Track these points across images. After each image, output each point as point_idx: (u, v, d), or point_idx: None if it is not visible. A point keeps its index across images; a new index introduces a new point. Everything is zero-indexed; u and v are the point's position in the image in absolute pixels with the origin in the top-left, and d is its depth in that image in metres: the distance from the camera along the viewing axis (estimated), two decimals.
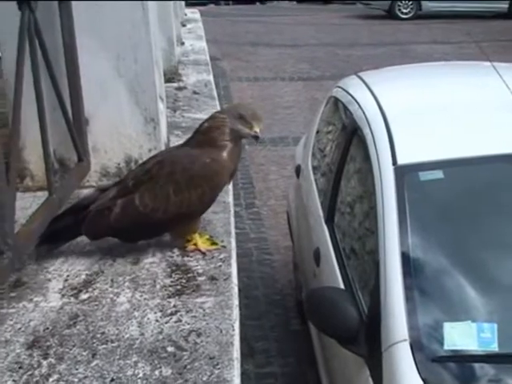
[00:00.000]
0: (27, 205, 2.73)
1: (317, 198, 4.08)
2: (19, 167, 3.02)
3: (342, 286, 3.07)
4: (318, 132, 4.72)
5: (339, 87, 4.52)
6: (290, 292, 5.38)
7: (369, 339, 2.58)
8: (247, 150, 8.61)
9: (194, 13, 14.15)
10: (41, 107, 2.31)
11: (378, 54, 14.52)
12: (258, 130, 2.24)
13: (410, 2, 21.70)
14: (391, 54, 14.36)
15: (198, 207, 2.23)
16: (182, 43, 8.32)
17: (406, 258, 2.67)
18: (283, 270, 5.72)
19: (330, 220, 3.71)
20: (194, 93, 5.20)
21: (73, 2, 2.68)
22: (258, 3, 34.96)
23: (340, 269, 3.22)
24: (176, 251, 2.31)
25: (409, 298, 2.54)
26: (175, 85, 5.50)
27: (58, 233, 2.28)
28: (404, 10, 21.80)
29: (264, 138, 9.06)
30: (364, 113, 3.64)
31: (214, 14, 23.24)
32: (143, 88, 2.95)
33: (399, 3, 21.75)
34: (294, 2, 34.16)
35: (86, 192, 2.68)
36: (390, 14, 21.82)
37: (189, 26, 11.14)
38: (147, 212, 2.18)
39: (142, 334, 1.80)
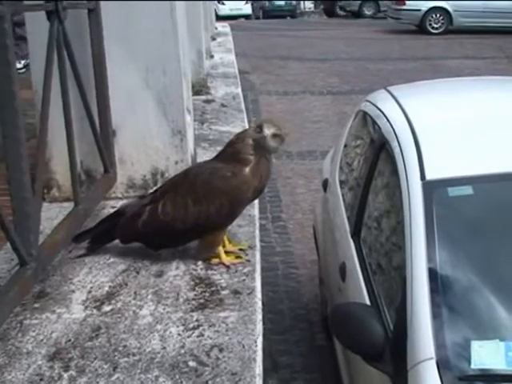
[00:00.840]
0: (53, 215, 2.74)
1: (344, 213, 4.05)
2: (46, 178, 3.04)
3: (367, 301, 3.04)
4: (345, 146, 4.69)
5: (368, 101, 4.49)
6: (315, 307, 5.34)
7: (395, 357, 2.54)
8: (274, 163, 8.56)
9: (224, 27, 14.24)
10: (68, 118, 2.31)
11: (408, 69, 14.44)
12: (266, 131, 2.24)
13: (441, 17, 21.60)
14: (422, 69, 14.27)
15: (217, 220, 2.23)
16: (212, 56, 8.36)
17: (433, 275, 2.63)
18: (309, 285, 5.69)
19: (356, 234, 3.67)
20: (222, 105, 5.20)
21: (102, 13, 2.69)
22: (288, 17, 35.13)
23: (366, 284, 3.18)
24: (200, 264, 2.29)
25: (436, 315, 2.50)
26: (203, 97, 5.51)
27: (100, 235, 2.40)
28: (435, 25, 21.69)
29: (292, 152, 9.06)
30: (392, 127, 3.60)
31: (244, 27, 23.33)
32: (171, 100, 2.95)
33: (430, 18, 21.64)
34: (325, 17, 34.26)
35: (122, 202, 2.77)
36: (421, 29, 21.73)
37: (219, 39, 11.21)
38: (167, 220, 2.24)
39: (164, 348, 1.78)
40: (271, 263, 6.02)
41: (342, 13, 32.55)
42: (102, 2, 2.68)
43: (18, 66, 5.93)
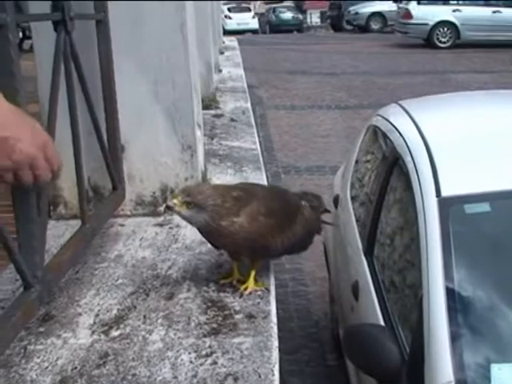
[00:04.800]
0: (60, 233, 2.66)
1: (355, 229, 3.97)
2: (53, 194, 2.96)
3: (381, 321, 2.95)
4: (356, 161, 4.61)
5: (379, 115, 4.41)
6: (325, 325, 5.24)
7: (411, 379, 2.46)
8: (283, 178, 8.53)
9: (231, 41, 14.25)
10: (75, 132, 2.24)
11: (416, 83, 14.36)
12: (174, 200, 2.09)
13: (449, 31, 21.55)
14: (430, 83, 14.19)
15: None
16: (220, 70, 8.31)
17: (451, 294, 2.54)
18: (319, 302, 5.59)
19: (369, 252, 3.59)
20: (232, 120, 5.13)
21: (111, 24, 2.62)
22: (295, 32, 35.20)
23: (380, 303, 3.10)
24: (212, 286, 2.20)
25: (454, 337, 2.41)
26: (213, 112, 5.45)
27: None
28: (442, 39, 21.64)
29: (300, 167, 8.98)
30: (405, 141, 3.52)
31: (251, 42, 23.34)
32: (181, 114, 2.87)
33: (437, 32, 21.60)
34: (332, 31, 34.33)
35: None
36: (429, 43, 21.68)
37: (227, 53, 11.17)
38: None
39: (176, 378, 1.68)
40: (281, 280, 5.93)
41: (348, 27, 32.53)
42: (110, 14, 2.61)
43: None
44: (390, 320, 2.92)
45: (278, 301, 5.45)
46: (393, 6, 27.01)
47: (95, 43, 2.62)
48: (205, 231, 2.13)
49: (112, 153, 2.69)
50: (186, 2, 2.75)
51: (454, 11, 21.54)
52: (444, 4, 22.01)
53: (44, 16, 2.18)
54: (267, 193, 2.33)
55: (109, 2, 2.61)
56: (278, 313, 5.13)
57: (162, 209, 2.79)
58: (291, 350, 4.86)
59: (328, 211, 2.56)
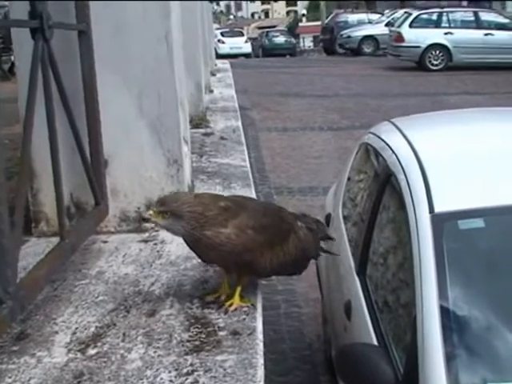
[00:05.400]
0: (40, 251, 2.57)
1: (348, 248, 3.91)
2: (34, 210, 2.87)
3: (375, 341, 2.88)
4: (348, 179, 4.56)
5: (371, 133, 4.37)
6: (319, 347, 5.14)
7: None
8: (276, 199, 8.45)
9: (224, 63, 14.24)
10: (54, 145, 2.16)
11: (408, 105, 14.34)
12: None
13: (441, 54, 21.62)
14: (422, 105, 14.17)
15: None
16: (211, 91, 8.28)
17: (445, 312, 2.49)
18: (312, 324, 5.50)
19: (361, 271, 3.53)
20: (222, 138, 5.07)
21: (94, 36, 2.55)
22: (288, 56, 35.36)
23: (373, 323, 3.03)
24: (196, 302, 2.10)
25: (449, 356, 2.35)
26: (202, 130, 5.40)
27: None
28: (434, 62, 21.70)
29: (293, 188, 8.92)
30: (398, 158, 3.47)
31: (244, 65, 23.36)
32: (166, 128, 2.80)
33: (429, 55, 21.68)
34: (324, 55, 34.48)
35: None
36: (421, 66, 21.73)
37: (218, 75, 11.16)
38: None
39: None
40: (273, 302, 5.83)
41: (341, 50, 32.60)
42: (92, 23, 2.53)
43: None
44: (384, 340, 2.86)
45: (269, 322, 5.39)
46: (385, 30, 27.14)
47: (77, 54, 2.55)
48: (190, 241, 2.04)
49: (95, 167, 2.61)
50: (172, 11, 2.68)
51: (445, 34, 21.64)
52: (436, 27, 22.11)
53: (21, 22, 2.10)
54: (260, 207, 2.25)
55: (91, 11, 2.54)
56: (269, 334, 5.06)
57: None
58: (283, 372, 4.76)
59: (332, 239, 2.43)
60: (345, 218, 4.30)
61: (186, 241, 2.06)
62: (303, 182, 9.12)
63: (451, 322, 2.46)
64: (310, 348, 5.21)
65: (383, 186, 3.56)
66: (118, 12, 2.62)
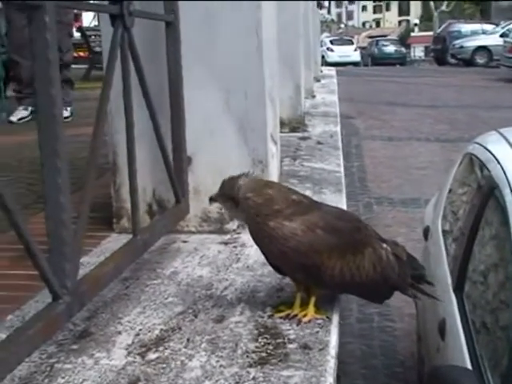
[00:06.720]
0: (119, 247, 2.50)
1: (446, 264, 3.74)
2: (116, 206, 2.82)
3: (468, 364, 2.72)
4: (450, 191, 4.35)
5: (477, 143, 4.17)
6: (412, 365, 4.92)
7: None
8: (375, 209, 8.24)
9: (330, 70, 14.09)
10: (130, 138, 2.07)
11: None
12: None
13: None
14: None
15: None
16: (314, 96, 8.14)
17: None
18: (406, 340, 5.29)
19: (459, 289, 3.36)
20: (318, 143, 4.93)
21: (181, 28, 2.45)
22: (397, 65, 34.85)
23: (468, 344, 2.87)
24: (268, 311, 1.96)
25: None
26: (299, 134, 5.27)
27: None
28: None
29: (393, 199, 8.67)
30: (504, 171, 3.27)
31: (351, 73, 23.16)
32: (253, 126, 2.67)
33: None
34: (435, 65, 33.76)
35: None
36: None
37: (323, 81, 11.02)
38: None
39: None
40: (366, 315, 5.67)
41: (453, 61, 31.83)
42: (181, 15, 2.44)
43: (65, 113, 5.88)
44: (478, 363, 2.70)
45: (362, 336, 5.20)
46: (499, 41, 26.29)
47: (163, 46, 2.46)
48: (252, 231, 1.90)
49: (176, 164, 2.51)
50: (263, 3, 2.55)
51: None
52: None
53: (100, 7, 2.02)
54: (335, 210, 2.07)
55: (179, 2, 2.45)
56: (361, 348, 4.88)
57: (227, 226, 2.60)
58: None
59: (431, 284, 2.26)
60: (444, 231, 4.11)
61: (250, 233, 1.92)
62: (405, 193, 8.86)
63: None
64: (403, 365, 5.02)
65: (486, 200, 3.37)
66: (205, 2, 2.52)
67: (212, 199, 1.97)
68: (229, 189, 1.88)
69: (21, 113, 6.27)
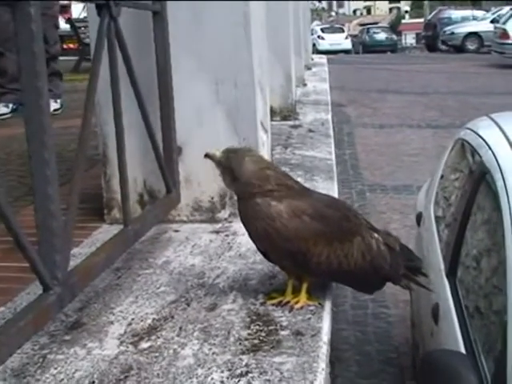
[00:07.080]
0: (109, 237, 2.49)
1: (438, 250, 3.74)
2: (107, 197, 2.81)
3: (462, 348, 2.72)
4: (442, 177, 4.36)
5: (468, 129, 4.17)
6: (406, 351, 4.94)
7: None
8: (368, 197, 8.26)
9: (321, 58, 14.07)
10: (119, 129, 2.06)
11: None
12: None
13: None
14: None
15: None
16: (305, 84, 8.13)
17: None
18: (400, 326, 5.30)
19: (452, 274, 3.36)
20: (310, 131, 4.93)
21: (169, 17, 2.44)
22: (388, 52, 34.82)
23: (461, 329, 2.86)
24: (261, 298, 1.96)
25: None
26: (291, 123, 5.27)
27: None
28: None
29: (386, 186, 8.69)
30: (495, 156, 3.27)
31: (342, 61, 23.13)
32: (243, 115, 2.67)
33: None
34: (426, 52, 33.76)
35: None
36: None
37: (314, 69, 11.01)
38: None
39: None
40: (360, 301, 5.68)
41: (444, 47, 31.81)
42: (168, 4, 2.43)
43: (55, 106, 5.81)
44: (472, 347, 2.70)
45: (356, 322, 5.22)
46: (490, 27, 26.30)
47: (151, 36, 2.45)
48: (240, 207, 1.89)
49: (166, 154, 2.51)
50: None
51: None
52: None
53: None
54: (325, 198, 2.06)
55: None
56: (356, 335, 4.89)
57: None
58: (369, 375, 4.61)
59: (425, 275, 2.30)
60: (436, 217, 4.12)
61: (239, 210, 1.91)
62: (398, 179, 8.88)
63: None
64: (397, 351, 5.02)
65: (478, 185, 3.37)
66: None
67: (208, 156, 1.94)
68: (232, 162, 1.86)
69: (0, 109, 6.05)
